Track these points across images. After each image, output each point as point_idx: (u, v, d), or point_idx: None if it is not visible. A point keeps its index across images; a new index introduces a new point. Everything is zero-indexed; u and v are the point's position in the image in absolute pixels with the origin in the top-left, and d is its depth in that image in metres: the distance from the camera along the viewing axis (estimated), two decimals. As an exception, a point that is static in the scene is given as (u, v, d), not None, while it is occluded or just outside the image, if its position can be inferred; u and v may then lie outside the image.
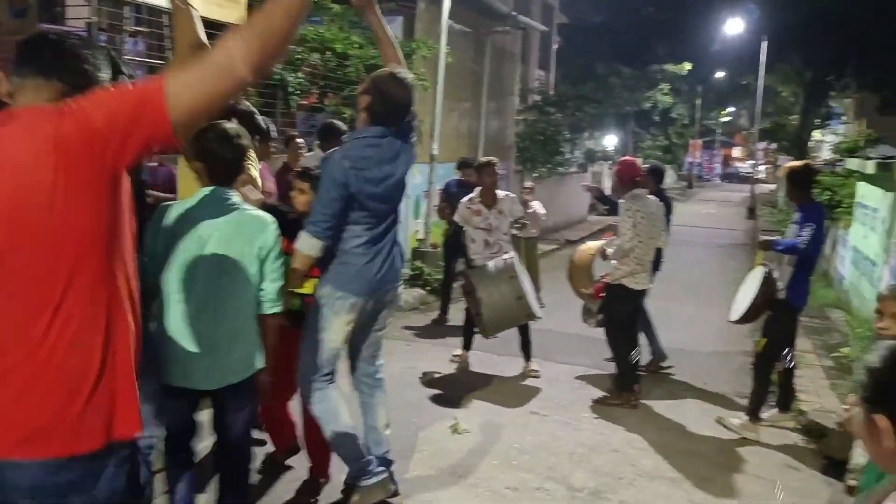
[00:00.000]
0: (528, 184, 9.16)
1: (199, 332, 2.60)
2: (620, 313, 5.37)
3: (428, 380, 5.73)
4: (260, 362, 2.79)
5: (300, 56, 7.58)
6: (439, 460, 4.19)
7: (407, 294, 8.89)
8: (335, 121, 6.21)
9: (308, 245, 3.19)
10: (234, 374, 2.72)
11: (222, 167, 2.70)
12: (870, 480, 2.58)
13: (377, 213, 3.34)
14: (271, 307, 2.78)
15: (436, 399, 5.28)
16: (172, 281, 2.60)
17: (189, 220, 2.62)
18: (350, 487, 3.48)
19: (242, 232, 2.66)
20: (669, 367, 6.26)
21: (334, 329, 3.32)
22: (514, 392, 5.54)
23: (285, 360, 3.49)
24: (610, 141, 22.54)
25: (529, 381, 5.80)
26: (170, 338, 2.60)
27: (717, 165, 48.60)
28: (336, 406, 3.36)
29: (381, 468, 3.47)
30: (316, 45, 7.86)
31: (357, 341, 3.55)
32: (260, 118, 3.65)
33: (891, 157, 7.63)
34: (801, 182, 4.99)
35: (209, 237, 2.61)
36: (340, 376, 3.51)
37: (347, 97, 8.37)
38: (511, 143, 14.94)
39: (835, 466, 4.21)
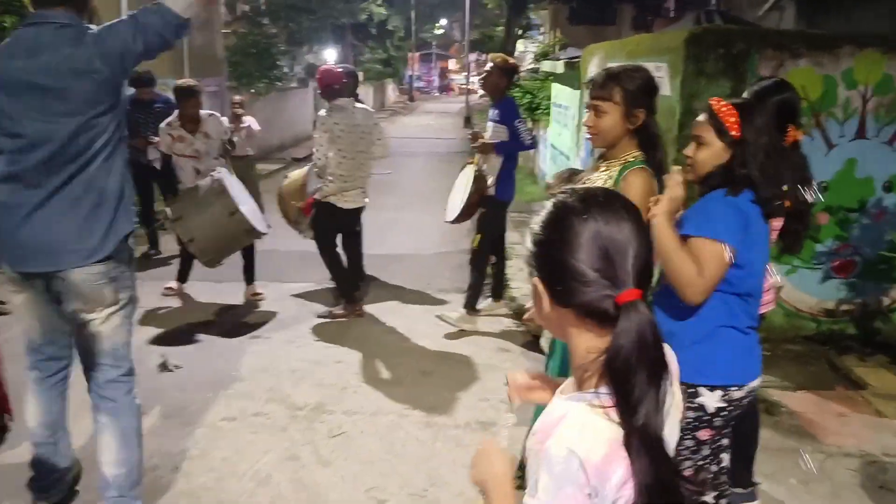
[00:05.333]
0: (237, 98, 8.50)
1: None
2: (328, 230, 5.21)
3: (134, 318, 5.15)
4: None
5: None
6: (145, 402, 3.75)
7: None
8: None
9: None
10: None
11: None
12: (558, 351, 2.75)
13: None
14: None
15: (142, 337, 4.76)
16: None
17: None
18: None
19: None
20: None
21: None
22: (235, 318, 5.22)
23: None
24: (330, 55, 22.09)
25: (253, 305, 5.51)
26: None
27: (436, 78, 50.41)
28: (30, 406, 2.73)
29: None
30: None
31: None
32: None
33: (576, 57, 8.28)
34: (510, 76, 5.08)
35: None
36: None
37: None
38: (222, 58, 13.86)
39: (538, 341, 4.58)
